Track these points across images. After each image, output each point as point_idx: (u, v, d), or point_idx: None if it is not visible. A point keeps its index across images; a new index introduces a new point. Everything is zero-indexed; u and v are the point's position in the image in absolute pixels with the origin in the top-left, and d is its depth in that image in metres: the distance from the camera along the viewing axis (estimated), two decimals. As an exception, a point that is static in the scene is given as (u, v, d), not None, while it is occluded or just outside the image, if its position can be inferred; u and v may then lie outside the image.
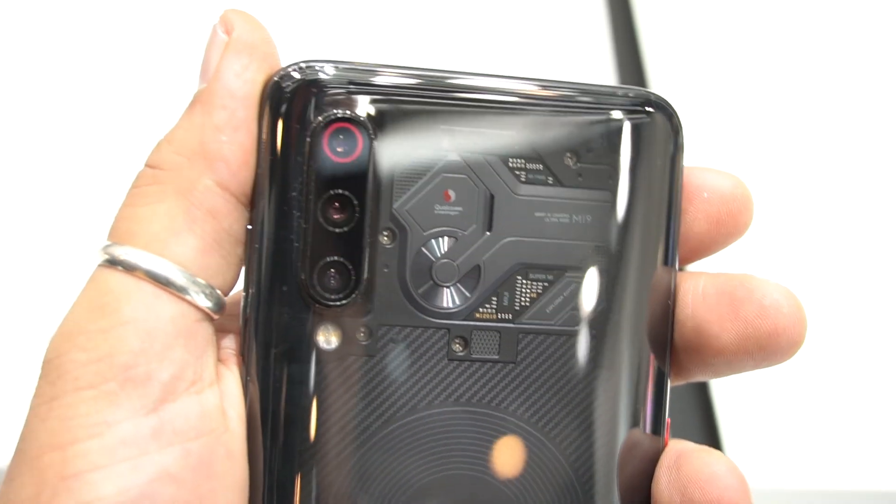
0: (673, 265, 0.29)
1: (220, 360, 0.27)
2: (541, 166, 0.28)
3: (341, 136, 0.27)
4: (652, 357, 0.28)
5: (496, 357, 0.28)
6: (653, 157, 0.28)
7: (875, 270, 0.56)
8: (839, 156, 0.60)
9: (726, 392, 0.53)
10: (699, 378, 0.30)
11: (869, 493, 0.49)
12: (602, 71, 0.65)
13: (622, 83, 0.65)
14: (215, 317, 0.26)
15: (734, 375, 0.30)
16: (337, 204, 0.27)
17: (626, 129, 0.28)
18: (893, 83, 0.63)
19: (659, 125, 0.28)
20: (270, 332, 0.27)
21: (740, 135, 0.61)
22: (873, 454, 0.50)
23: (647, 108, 0.28)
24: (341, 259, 0.27)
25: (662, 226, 0.28)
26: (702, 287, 0.29)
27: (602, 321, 0.28)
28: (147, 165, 0.26)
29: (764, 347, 0.28)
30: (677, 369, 0.29)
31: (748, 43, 0.65)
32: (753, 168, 0.58)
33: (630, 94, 0.28)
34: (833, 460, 0.49)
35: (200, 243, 0.25)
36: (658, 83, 0.63)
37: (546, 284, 0.28)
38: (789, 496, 0.48)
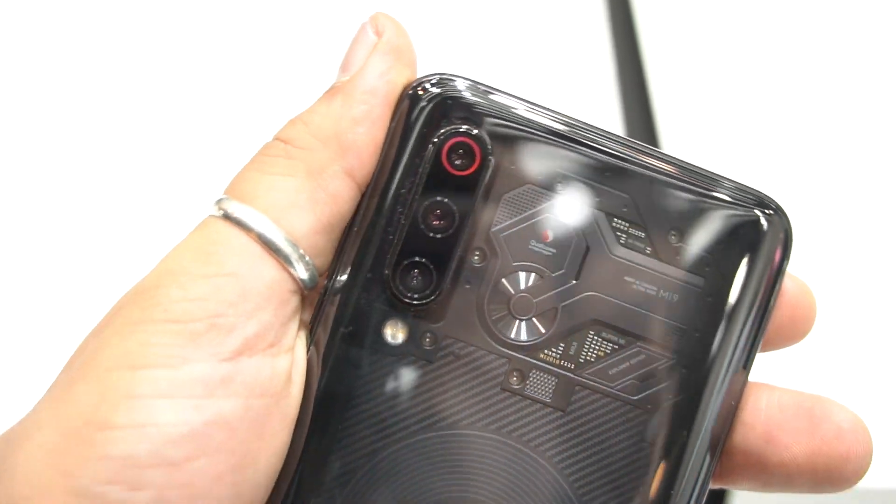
0: (747, 370, 0.29)
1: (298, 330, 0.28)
2: (643, 234, 0.28)
3: (461, 150, 0.28)
4: (701, 449, 0.28)
5: (548, 400, 0.28)
6: (756, 259, 0.28)
7: (875, 270, 0.55)
8: (839, 155, 0.59)
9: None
10: (745, 486, 0.30)
11: (869, 493, 0.48)
12: (602, 71, 0.64)
13: (622, 83, 0.65)
14: (307, 292, 0.27)
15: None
16: (439, 211, 0.28)
17: (737, 223, 0.28)
18: (894, 83, 0.62)
19: (770, 231, 0.28)
20: (344, 312, 0.28)
21: (740, 135, 0.60)
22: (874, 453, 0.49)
23: (763, 211, 0.28)
24: (428, 263, 0.28)
25: (747, 329, 0.28)
26: (777, 398, 0.29)
27: (660, 400, 0.28)
28: (277, 138, 0.28)
29: (831, 469, 0.28)
30: (728, 471, 0.29)
31: (748, 43, 0.64)
32: (753, 168, 0.58)
33: (750, 193, 0.29)
34: None
35: (316, 223, 0.27)
36: (658, 83, 0.63)
37: (616, 347, 0.28)
38: (785, 495, 0.47)
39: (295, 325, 0.27)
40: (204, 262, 0.26)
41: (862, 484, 0.47)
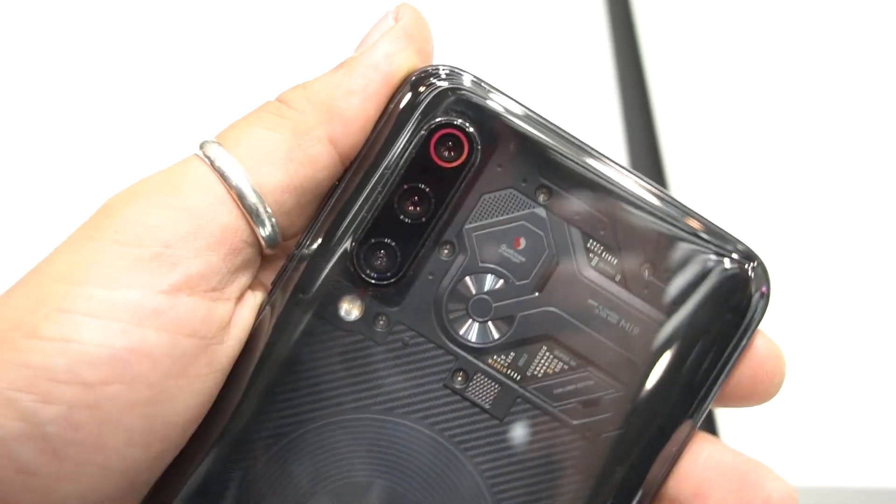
0: (695, 420, 0.28)
1: (251, 287, 0.28)
2: (615, 260, 0.28)
3: (450, 142, 0.28)
4: (631, 489, 0.28)
5: (487, 406, 0.28)
6: (725, 312, 0.28)
7: (875, 270, 0.54)
8: (840, 154, 0.58)
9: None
10: None
11: (869, 493, 0.47)
12: (602, 71, 0.63)
13: (622, 83, 0.63)
14: (266, 251, 0.27)
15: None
16: (416, 197, 0.28)
17: (713, 272, 0.28)
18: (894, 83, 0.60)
19: (745, 288, 0.28)
20: (306, 279, 0.28)
21: (740, 135, 0.59)
22: (873, 452, 0.48)
23: (743, 266, 0.28)
24: (395, 245, 0.28)
25: (703, 379, 0.28)
26: (718, 455, 0.28)
27: (600, 430, 0.28)
28: (277, 98, 0.28)
29: None
30: None
31: (749, 43, 0.63)
32: (753, 168, 0.57)
33: (736, 245, 0.28)
34: (832, 459, 0.48)
35: (287, 181, 0.27)
36: (658, 83, 0.62)
37: (565, 367, 0.28)
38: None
39: (245, 278, 0.27)
40: (168, 192, 0.26)
41: (862, 484, 0.47)
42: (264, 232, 0.27)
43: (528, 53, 0.63)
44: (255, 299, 0.28)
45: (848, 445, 0.48)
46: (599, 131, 0.61)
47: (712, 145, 0.59)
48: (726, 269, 0.28)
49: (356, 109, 0.27)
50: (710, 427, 0.52)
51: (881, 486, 0.47)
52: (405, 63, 0.28)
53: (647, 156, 0.61)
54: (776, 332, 0.49)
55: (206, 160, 0.27)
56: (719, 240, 0.28)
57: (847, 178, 0.57)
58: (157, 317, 0.25)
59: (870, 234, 0.55)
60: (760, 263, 0.28)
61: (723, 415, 0.51)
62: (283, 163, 0.27)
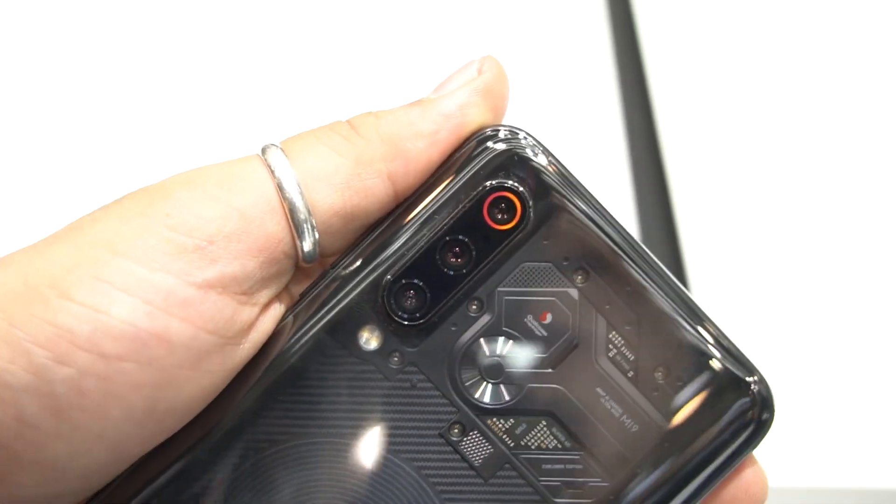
0: None
1: (279, 296, 0.28)
2: (632, 357, 0.28)
3: (504, 205, 0.28)
4: None
5: (476, 464, 0.28)
6: (722, 431, 0.28)
7: (874, 269, 0.54)
8: (841, 155, 0.58)
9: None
10: None
11: (869, 493, 0.48)
12: (602, 71, 0.64)
13: (622, 83, 0.64)
14: (302, 264, 0.28)
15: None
16: (459, 250, 0.28)
17: (722, 393, 0.28)
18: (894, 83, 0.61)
19: (747, 412, 0.28)
20: (334, 299, 0.28)
21: (740, 135, 0.60)
22: (872, 453, 0.49)
23: (752, 395, 0.28)
24: (427, 290, 0.28)
25: (685, 489, 0.28)
26: None
27: None
28: (348, 121, 0.28)
29: None
30: None
31: (749, 43, 0.63)
32: (753, 168, 0.58)
33: (750, 370, 0.28)
34: (832, 459, 0.49)
35: (340, 206, 0.27)
36: (658, 83, 0.63)
37: (559, 446, 0.28)
38: (789, 494, 0.47)
39: (275, 288, 0.28)
40: (224, 188, 0.27)
41: (862, 484, 0.47)
42: (306, 247, 0.27)
43: (529, 53, 0.63)
44: (280, 309, 0.28)
45: (847, 446, 0.48)
46: (599, 131, 0.61)
47: (713, 145, 0.59)
48: (733, 393, 0.28)
49: (421, 152, 0.28)
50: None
51: (881, 486, 0.47)
52: (478, 118, 0.29)
53: (647, 156, 0.61)
54: (776, 331, 0.50)
55: (268, 166, 0.27)
56: (736, 363, 0.28)
57: (848, 179, 0.57)
58: (185, 307, 0.26)
59: (870, 234, 0.55)
60: (767, 389, 0.29)
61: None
62: (340, 188, 0.27)
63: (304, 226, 0.27)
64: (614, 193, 0.58)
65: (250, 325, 0.27)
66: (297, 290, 0.29)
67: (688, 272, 0.55)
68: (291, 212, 0.27)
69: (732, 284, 0.54)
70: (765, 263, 0.54)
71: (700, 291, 0.54)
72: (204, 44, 0.61)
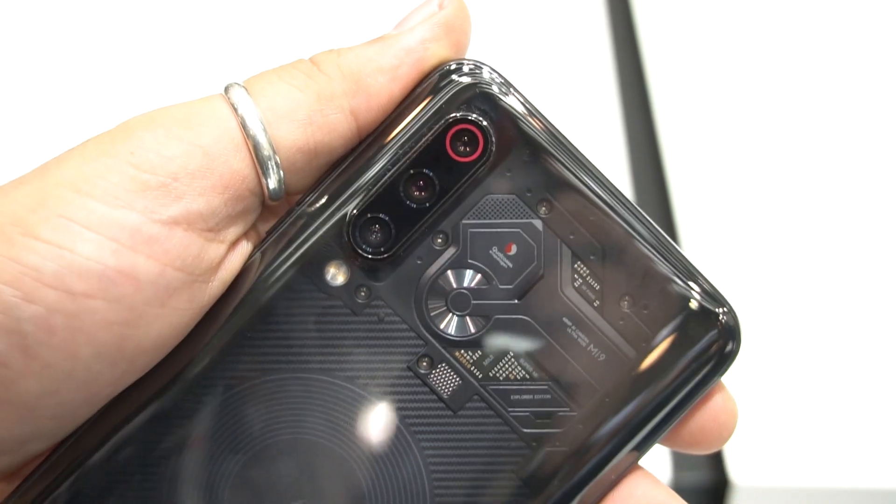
0: (640, 453, 0.29)
1: (247, 235, 0.29)
2: (598, 286, 0.28)
3: (466, 138, 0.28)
4: None
5: (445, 396, 0.29)
6: (691, 359, 0.28)
7: (874, 270, 0.55)
8: (840, 155, 0.59)
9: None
10: None
11: (869, 493, 0.48)
12: (602, 71, 0.64)
13: (622, 83, 0.64)
14: (268, 202, 0.28)
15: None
16: (422, 183, 0.28)
17: (689, 320, 0.28)
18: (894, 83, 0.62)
19: (716, 340, 0.29)
20: (300, 236, 0.28)
21: (740, 135, 0.60)
22: (872, 453, 0.49)
23: (718, 319, 0.29)
24: (391, 224, 0.28)
25: (654, 416, 0.29)
26: (654, 494, 0.29)
27: (545, 443, 0.28)
28: (310, 59, 0.28)
29: None
30: None
31: (749, 43, 0.64)
32: (753, 167, 0.58)
33: (719, 300, 0.29)
34: (831, 459, 0.49)
35: (302, 142, 0.27)
36: (658, 83, 0.63)
37: (527, 377, 0.29)
38: (787, 494, 0.48)
39: (243, 224, 0.28)
40: (186, 126, 0.27)
41: (862, 484, 0.48)
42: (271, 185, 0.27)
43: (529, 53, 0.63)
44: (248, 247, 0.28)
45: (846, 446, 0.49)
46: (599, 131, 0.61)
47: (712, 145, 0.59)
48: (700, 322, 0.28)
49: (383, 87, 0.28)
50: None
51: (880, 486, 0.48)
52: (439, 52, 0.29)
53: (647, 155, 0.61)
54: (775, 331, 0.50)
55: (231, 104, 0.27)
56: (702, 290, 0.29)
57: (847, 179, 0.58)
58: (150, 244, 0.26)
59: (869, 234, 0.55)
60: (735, 320, 0.29)
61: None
62: (303, 124, 0.27)
63: (269, 163, 0.27)
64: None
65: (218, 263, 0.27)
66: (265, 228, 0.29)
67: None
68: (255, 148, 0.27)
69: (732, 284, 0.54)
70: (764, 263, 0.54)
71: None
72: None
